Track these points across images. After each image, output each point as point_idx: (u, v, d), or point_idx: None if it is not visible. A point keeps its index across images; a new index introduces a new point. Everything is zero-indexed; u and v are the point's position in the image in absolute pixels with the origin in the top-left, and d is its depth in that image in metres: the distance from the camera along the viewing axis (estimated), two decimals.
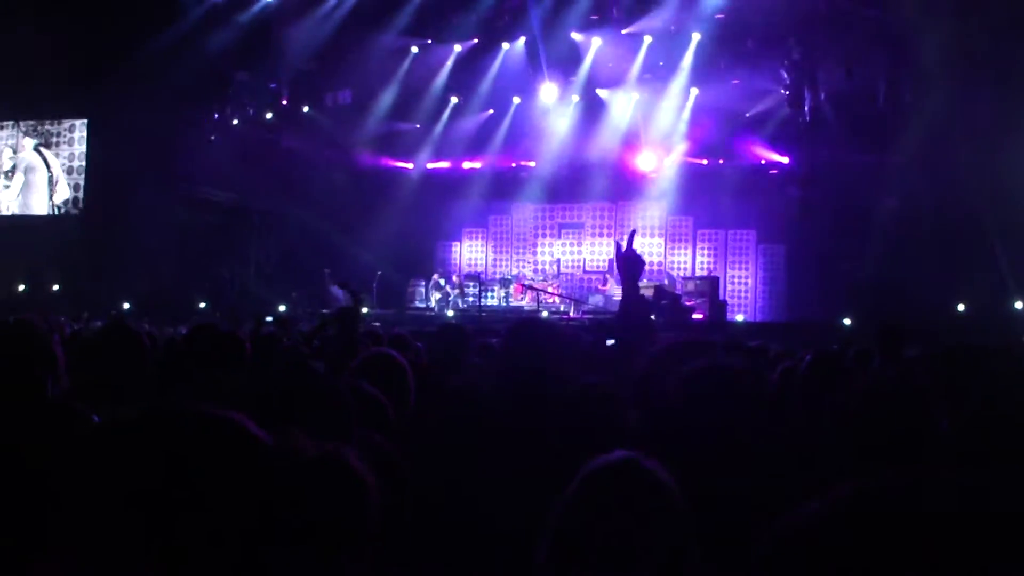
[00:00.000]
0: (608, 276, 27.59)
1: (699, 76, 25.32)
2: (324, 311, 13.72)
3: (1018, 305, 20.53)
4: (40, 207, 26.52)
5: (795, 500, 1.07)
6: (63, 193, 26.23)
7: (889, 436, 3.01)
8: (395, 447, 3.07)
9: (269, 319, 18.91)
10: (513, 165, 29.63)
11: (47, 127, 26.49)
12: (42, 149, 26.48)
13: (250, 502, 1.51)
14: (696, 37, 24.44)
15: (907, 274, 21.04)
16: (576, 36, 25.39)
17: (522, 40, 25.86)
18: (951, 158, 20.24)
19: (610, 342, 9.37)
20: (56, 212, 26.29)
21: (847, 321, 20.88)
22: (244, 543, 1.49)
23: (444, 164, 29.82)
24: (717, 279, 25.92)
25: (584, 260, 29.57)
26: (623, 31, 24.98)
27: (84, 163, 26.10)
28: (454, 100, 28.04)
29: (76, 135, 26.26)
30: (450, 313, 25.16)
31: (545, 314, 23.84)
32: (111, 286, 23.17)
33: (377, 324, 17.77)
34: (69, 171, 26.24)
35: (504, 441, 3.23)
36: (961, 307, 20.73)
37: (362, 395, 3.50)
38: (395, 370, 4.41)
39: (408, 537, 2.69)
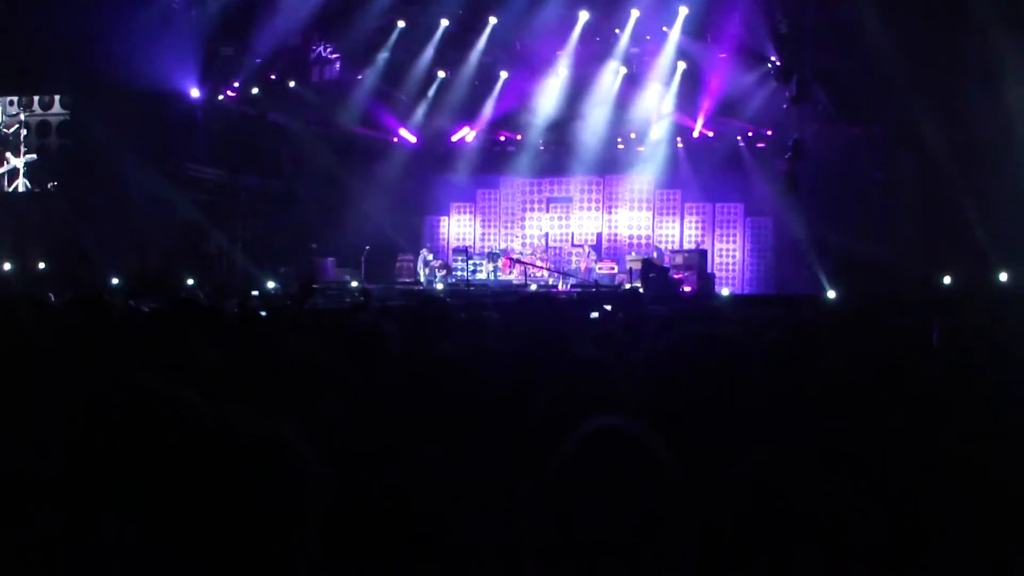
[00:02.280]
0: (591, 249, 27.72)
1: (686, 49, 25.30)
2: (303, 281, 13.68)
3: (1002, 277, 20.60)
4: (24, 184, 26.38)
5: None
6: (48, 170, 26.07)
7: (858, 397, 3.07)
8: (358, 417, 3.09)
9: (255, 294, 18.89)
10: (502, 139, 29.62)
11: (30, 103, 26.30)
12: (26, 124, 26.30)
13: (188, 478, 1.51)
14: (683, 11, 24.39)
15: (893, 247, 21.09)
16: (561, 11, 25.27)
17: (509, 14, 25.76)
18: (932, 129, 20.27)
19: (594, 315, 9.44)
20: (41, 189, 26.14)
21: (831, 294, 20.94)
22: (181, 519, 1.49)
23: (432, 138, 29.77)
24: (705, 252, 26.00)
25: (572, 234, 29.58)
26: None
27: (69, 139, 25.93)
28: (441, 74, 27.93)
29: (60, 110, 26.08)
30: (440, 287, 25.19)
31: (533, 287, 23.91)
32: (98, 264, 23.08)
33: (363, 299, 17.80)
34: (53, 148, 26.08)
35: (493, 408, 3.25)
36: (947, 279, 20.77)
37: (329, 365, 3.52)
38: (377, 340, 4.42)
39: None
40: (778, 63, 23.98)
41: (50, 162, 25.88)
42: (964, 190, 19.85)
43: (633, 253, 27.21)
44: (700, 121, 26.91)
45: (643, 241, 28.43)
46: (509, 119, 28.83)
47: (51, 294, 10.29)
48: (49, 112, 26.08)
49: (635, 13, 24.99)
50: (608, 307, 11.92)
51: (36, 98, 26.09)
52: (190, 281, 23.43)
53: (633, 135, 28.11)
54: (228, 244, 26.61)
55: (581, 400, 3.10)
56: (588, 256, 27.38)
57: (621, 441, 2.27)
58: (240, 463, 1.61)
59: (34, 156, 26.08)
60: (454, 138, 29.64)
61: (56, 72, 24.18)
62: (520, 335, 3.95)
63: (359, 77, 26.98)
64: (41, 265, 23.54)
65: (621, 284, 24.54)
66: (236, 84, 26.37)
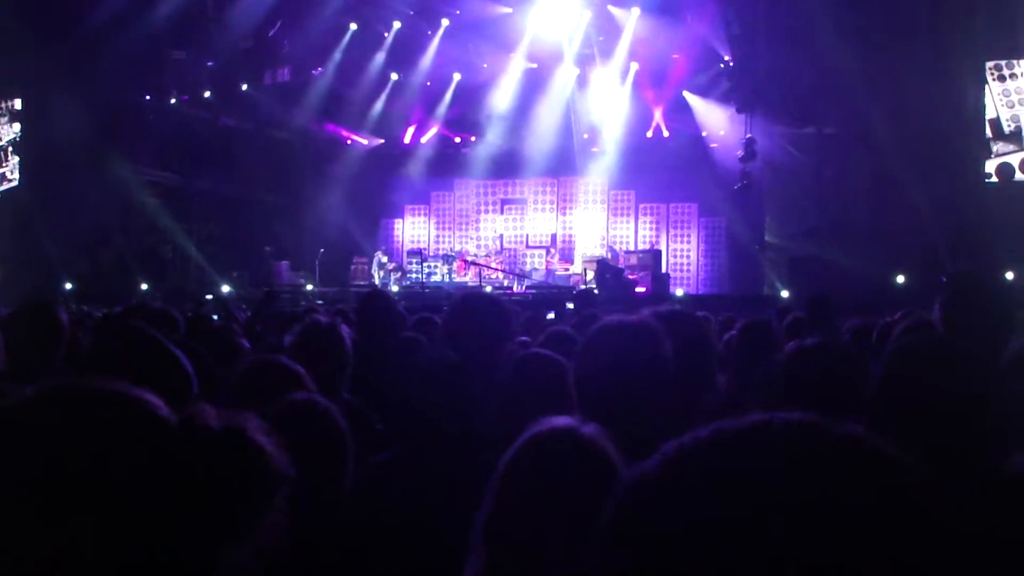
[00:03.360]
0: (553, 250, 27.83)
1: (639, 50, 25.42)
2: (266, 290, 13.62)
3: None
4: None
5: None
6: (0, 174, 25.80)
7: (813, 396, 3.10)
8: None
9: (209, 298, 18.79)
10: (457, 141, 29.61)
11: None
12: None
13: (147, 477, 1.51)
14: (635, 12, 24.51)
15: (845, 246, 21.26)
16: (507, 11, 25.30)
17: (461, 15, 25.78)
18: (881, 128, 20.48)
19: (551, 315, 9.47)
20: None
21: (785, 294, 21.08)
22: (142, 522, 1.49)
23: (385, 141, 29.75)
24: (659, 252, 26.09)
25: (527, 235, 29.62)
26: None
27: (19, 141, 25.68)
28: (394, 76, 27.88)
29: (10, 112, 25.82)
30: (395, 289, 25.13)
31: (488, 289, 23.91)
32: (50, 269, 22.88)
33: (320, 302, 17.74)
34: (4, 151, 25.81)
35: (439, 411, 3.25)
36: (900, 279, 20.92)
37: (287, 373, 3.53)
38: (333, 342, 4.41)
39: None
40: (731, 63, 24.17)
41: (2, 166, 25.59)
42: (916, 188, 20.04)
43: (588, 254, 27.27)
44: (654, 121, 27.04)
45: (598, 242, 28.49)
46: (463, 121, 28.85)
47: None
48: (2, 113, 25.79)
49: (587, 14, 25.10)
50: (570, 305, 11.97)
51: None
52: (144, 286, 23.25)
53: (586, 136, 28.16)
54: (182, 248, 26.45)
55: (531, 402, 3.11)
56: (553, 256, 27.49)
57: (573, 443, 2.28)
58: (201, 460, 1.60)
59: None
60: (407, 139, 29.60)
61: (6, 74, 23.95)
62: (461, 336, 3.95)
63: (312, 78, 26.91)
64: None
65: (576, 285, 24.59)
66: (188, 87, 26.21)
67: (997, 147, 21.72)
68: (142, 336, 3.05)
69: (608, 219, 28.92)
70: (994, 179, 21.70)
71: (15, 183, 25.64)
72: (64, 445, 1.48)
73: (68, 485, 1.45)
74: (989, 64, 21.57)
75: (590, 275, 24.26)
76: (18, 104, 25.75)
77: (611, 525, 0.93)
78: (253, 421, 1.69)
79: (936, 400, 2.55)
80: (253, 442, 1.65)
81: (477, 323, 3.96)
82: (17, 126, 25.73)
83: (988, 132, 21.74)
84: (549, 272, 26.70)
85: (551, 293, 22.59)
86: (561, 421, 2.34)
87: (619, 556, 0.89)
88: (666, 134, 27.16)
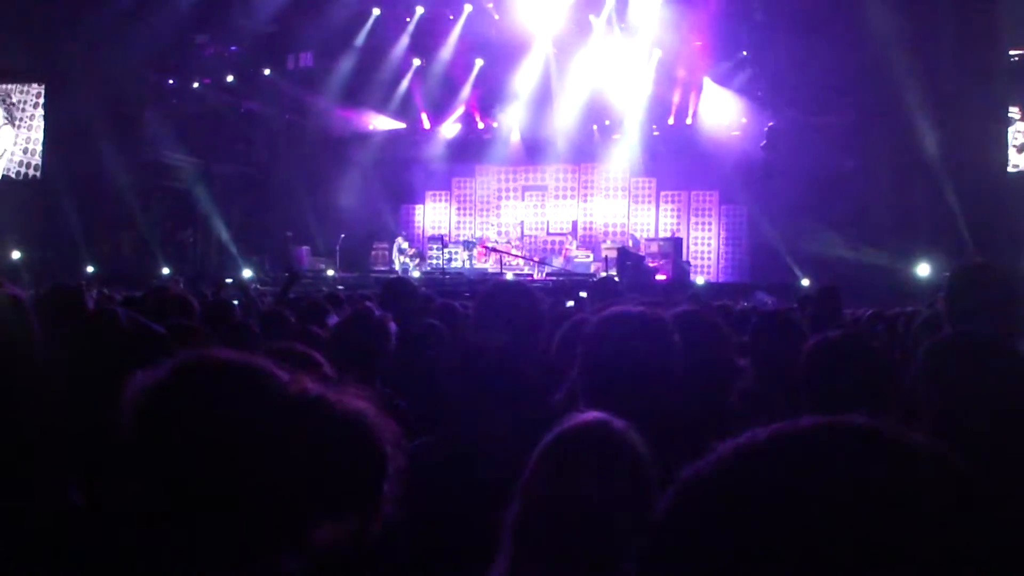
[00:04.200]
0: (571, 237, 27.77)
1: (662, 37, 25.33)
2: (287, 274, 13.63)
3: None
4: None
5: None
6: (23, 158, 25.93)
7: (836, 389, 3.09)
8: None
9: (229, 281, 18.84)
10: (479, 127, 29.56)
11: (4, 91, 26.15)
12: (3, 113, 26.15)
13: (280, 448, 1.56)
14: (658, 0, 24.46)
15: (868, 235, 21.18)
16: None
17: (485, 1, 25.77)
18: (908, 116, 20.37)
19: (570, 303, 9.45)
20: (15, 177, 26.00)
21: (806, 282, 20.98)
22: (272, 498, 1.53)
23: (407, 127, 29.73)
24: (680, 240, 26.00)
25: (548, 222, 29.58)
26: None
27: (43, 128, 25.80)
28: (416, 62, 27.87)
29: (34, 99, 25.93)
30: (416, 275, 25.13)
31: (510, 276, 23.89)
32: (73, 253, 22.99)
33: (341, 288, 17.76)
34: (28, 137, 25.94)
35: (472, 402, 3.25)
36: (923, 268, 20.70)
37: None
38: (377, 328, 4.41)
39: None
40: (752, 51, 24.07)
41: (26, 152, 25.71)
42: (942, 177, 19.94)
43: (608, 241, 27.18)
44: (675, 109, 26.96)
45: (618, 229, 28.42)
46: (485, 106, 28.82)
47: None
48: (23, 100, 25.90)
49: (610, 2, 25.03)
50: (584, 294, 11.92)
51: (13, 87, 25.90)
52: (166, 270, 23.34)
53: (608, 122, 28.08)
54: (203, 233, 26.54)
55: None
56: (570, 244, 27.44)
57: (603, 438, 2.27)
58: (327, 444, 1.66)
59: (10, 146, 25.91)
60: (428, 124, 29.56)
61: (31, 60, 24.05)
62: (490, 326, 3.94)
63: (335, 63, 26.91)
64: (16, 254, 23.36)
65: (596, 272, 24.54)
66: (211, 72, 26.26)
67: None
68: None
69: (629, 206, 28.84)
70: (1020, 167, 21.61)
71: (39, 167, 25.77)
72: (210, 418, 1.55)
73: (216, 455, 1.50)
74: (1014, 53, 21.46)
75: (611, 262, 24.19)
76: (42, 90, 25.86)
77: (668, 527, 0.92)
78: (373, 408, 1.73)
79: (976, 400, 2.55)
80: (372, 422, 1.69)
81: (507, 313, 3.95)
82: (41, 111, 25.84)
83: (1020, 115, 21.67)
84: (568, 259, 26.65)
85: (572, 281, 22.54)
86: (590, 416, 2.33)
87: (676, 560, 0.88)
88: (688, 122, 27.05)
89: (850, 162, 23.07)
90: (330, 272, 25.17)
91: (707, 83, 26.10)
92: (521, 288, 4.36)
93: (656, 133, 27.59)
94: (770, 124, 23.14)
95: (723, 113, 26.37)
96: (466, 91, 28.39)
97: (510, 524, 2.25)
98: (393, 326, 4.47)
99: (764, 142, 23.19)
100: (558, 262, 26.49)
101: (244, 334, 5.45)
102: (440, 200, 30.92)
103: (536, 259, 26.82)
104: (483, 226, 29.68)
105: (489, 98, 28.37)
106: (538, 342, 4.00)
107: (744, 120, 26.01)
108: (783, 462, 0.88)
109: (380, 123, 29.44)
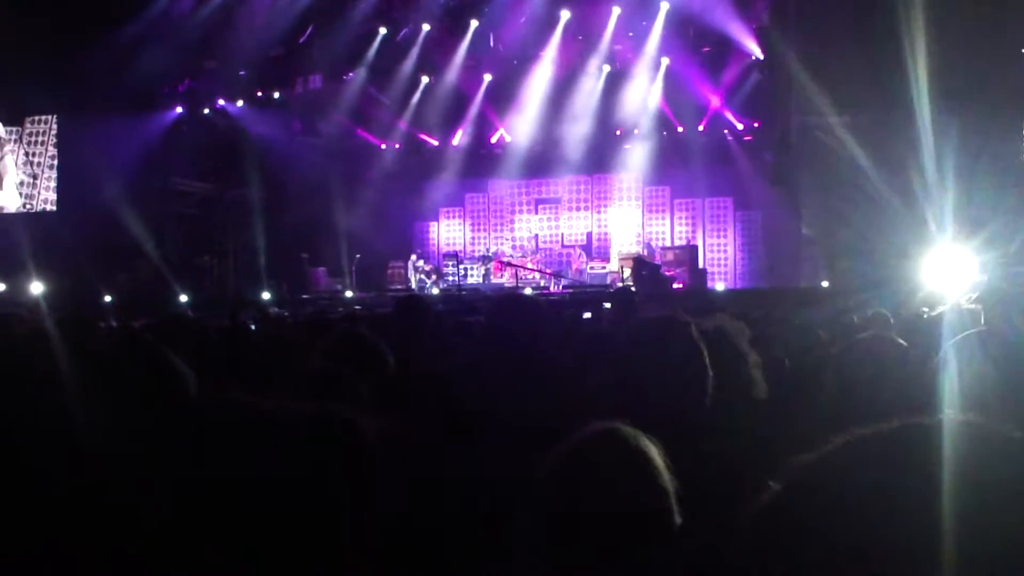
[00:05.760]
0: (579, 251, 27.81)
1: (669, 45, 25.34)
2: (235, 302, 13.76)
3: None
4: (14, 204, 26.36)
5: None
6: (38, 190, 26.06)
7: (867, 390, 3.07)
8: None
9: (246, 305, 18.83)
10: (493, 141, 29.58)
11: (18, 123, 26.30)
12: (13, 145, 26.29)
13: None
14: (664, 6, 24.46)
15: (885, 234, 21.07)
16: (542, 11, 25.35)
17: (491, 16, 25.84)
18: (924, 114, 20.28)
19: (587, 315, 9.44)
20: (31, 209, 26.13)
21: (825, 284, 20.90)
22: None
23: (418, 144, 29.79)
24: (696, 248, 25.99)
25: (562, 234, 29.58)
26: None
27: (56, 160, 25.93)
28: (425, 79, 27.93)
29: (47, 131, 26.07)
30: (435, 291, 25.19)
31: (528, 291, 23.89)
32: (91, 283, 23.06)
33: (358, 307, 17.79)
34: (42, 168, 26.07)
35: (483, 417, 3.23)
36: (942, 268, 20.54)
37: (332, 375, 3.51)
38: (369, 349, 4.39)
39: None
40: (762, 55, 24.04)
41: (40, 185, 25.85)
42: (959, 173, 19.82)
43: (624, 251, 27.19)
44: (687, 116, 26.92)
45: (634, 239, 28.43)
46: (494, 121, 28.85)
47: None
48: (36, 132, 26.04)
49: (616, 10, 25.06)
50: (608, 305, 11.91)
51: (26, 119, 26.06)
52: (184, 297, 23.40)
53: (619, 132, 28.07)
54: (219, 258, 26.63)
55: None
56: (579, 258, 27.44)
57: (618, 447, 2.25)
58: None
59: (27, 176, 26.06)
60: (439, 141, 29.60)
61: (43, 91, 24.19)
62: (498, 338, 3.93)
63: (343, 84, 27.01)
64: (35, 287, 23.43)
65: (613, 283, 24.53)
66: (220, 97, 26.40)
67: None
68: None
69: (644, 216, 28.82)
70: None
71: (54, 199, 25.89)
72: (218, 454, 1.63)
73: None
74: None
75: (627, 272, 24.16)
76: (53, 121, 26.00)
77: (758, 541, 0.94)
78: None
79: None
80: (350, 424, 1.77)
81: (514, 325, 3.94)
82: (53, 143, 25.98)
83: None
84: (581, 271, 26.68)
85: (588, 292, 22.53)
86: (602, 425, 2.31)
87: None
88: (700, 128, 27.01)
89: (864, 161, 22.99)
90: (348, 293, 25.21)
91: (717, 89, 26.04)
92: (527, 300, 4.35)
93: (668, 141, 27.53)
94: (782, 128, 23.07)
95: (735, 118, 26.32)
96: (475, 106, 28.43)
97: (523, 534, 2.24)
98: (388, 351, 4.44)
99: (776, 145, 23.12)
100: (572, 274, 26.51)
101: (263, 358, 5.44)
102: (454, 216, 30.97)
103: (551, 272, 26.82)
104: (498, 241, 29.73)
105: (499, 112, 28.39)
106: (547, 352, 3.98)
107: (756, 125, 25.97)
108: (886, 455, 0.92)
109: (391, 141, 29.49)
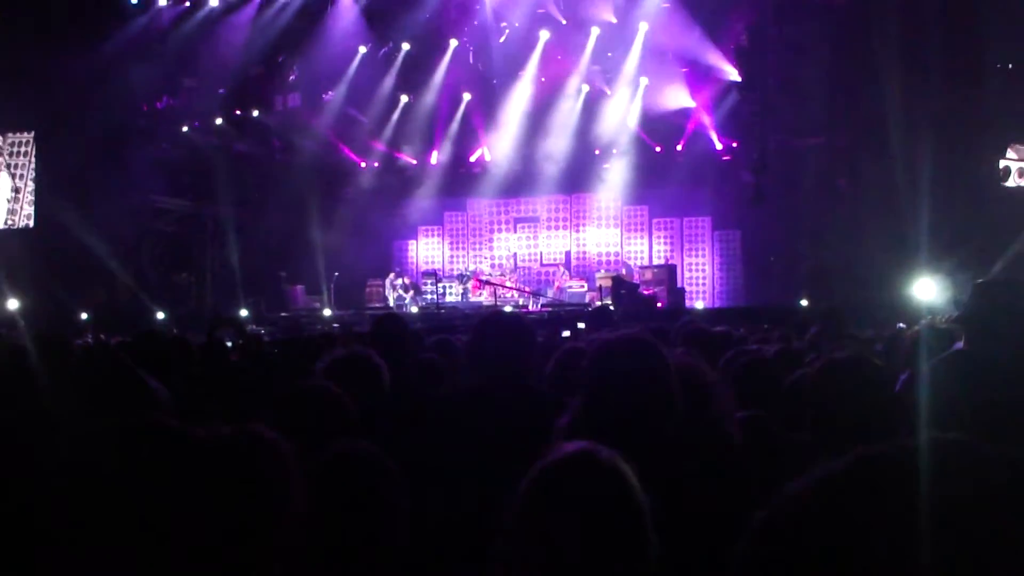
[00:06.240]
0: (562, 268, 27.82)
1: (648, 65, 25.44)
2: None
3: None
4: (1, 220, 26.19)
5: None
6: (20, 204, 25.89)
7: (842, 410, 3.07)
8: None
9: (222, 322, 18.72)
10: (472, 159, 29.57)
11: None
12: None
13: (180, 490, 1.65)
14: (643, 27, 24.56)
15: (860, 254, 21.15)
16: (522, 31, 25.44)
17: (471, 36, 25.91)
18: (899, 135, 20.39)
19: (566, 334, 9.43)
20: (13, 225, 25.95)
21: (804, 302, 20.94)
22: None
23: (397, 163, 29.76)
24: (674, 267, 26.02)
25: (541, 253, 29.62)
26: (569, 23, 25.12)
27: (34, 176, 25.78)
28: (404, 98, 27.94)
29: (25, 148, 25.92)
30: (414, 310, 25.15)
31: (509, 309, 23.86)
32: (68, 300, 22.91)
33: (336, 326, 17.73)
34: (20, 186, 25.91)
35: (469, 437, 3.23)
36: (920, 288, 20.63)
37: (326, 396, 3.49)
38: (369, 370, 4.38)
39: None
40: (740, 76, 24.16)
41: (19, 201, 25.69)
42: (934, 196, 19.92)
43: (602, 271, 27.20)
44: (665, 137, 26.99)
45: (612, 258, 28.47)
46: (474, 140, 28.86)
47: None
48: (16, 151, 25.91)
49: (595, 31, 25.15)
50: (581, 325, 11.90)
51: (3, 136, 25.91)
52: (160, 315, 23.28)
53: (597, 152, 28.13)
54: (197, 275, 26.52)
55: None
56: (562, 275, 27.46)
57: (591, 469, 2.24)
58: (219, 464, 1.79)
59: (5, 195, 25.90)
60: (418, 160, 29.60)
61: (20, 108, 24.09)
62: (484, 358, 3.92)
63: (323, 103, 26.99)
64: (12, 304, 23.25)
65: (592, 302, 24.53)
66: (199, 115, 26.33)
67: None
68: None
69: (622, 235, 28.88)
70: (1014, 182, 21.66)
71: (31, 215, 25.73)
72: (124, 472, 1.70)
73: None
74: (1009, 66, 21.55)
75: (606, 292, 24.18)
76: (31, 138, 25.86)
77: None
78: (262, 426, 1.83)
79: None
80: (265, 441, 1.80)
81: (500, 345, 3.92)
82: (32, 159, 25.83)
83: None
84: (561, 290, 26.70)
85: (566, 312, 22.52)
86: (576, 446, 2.30)
87: None
88: (679, 148, 27.08)
89: (840, 183, 23.12)
90: (326, 311, 25.13)
91: (695, 109, 26.12)
92: (512, 318, 4.33)
93: (646, 161, 27.59)
94: (759, 148, 23.19)
95: (713, 139, 26.41)
96: (455, 125, 28.45)
97: (499, 556, 2.23)
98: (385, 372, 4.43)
99: (754, 166, 23.23)
100: (552, 293, 26.51)
101: (241, 375, 5.42)
102: (432, 235, 30.96)
103: (529, 290, 26.82)
104: (476, 259, 29.72)
105: (478, 131, 28.41)
106: (532, 372, 3.98)
107: (735, 145, 26.06)
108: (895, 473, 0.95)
109: (370, 160, 29.47)
